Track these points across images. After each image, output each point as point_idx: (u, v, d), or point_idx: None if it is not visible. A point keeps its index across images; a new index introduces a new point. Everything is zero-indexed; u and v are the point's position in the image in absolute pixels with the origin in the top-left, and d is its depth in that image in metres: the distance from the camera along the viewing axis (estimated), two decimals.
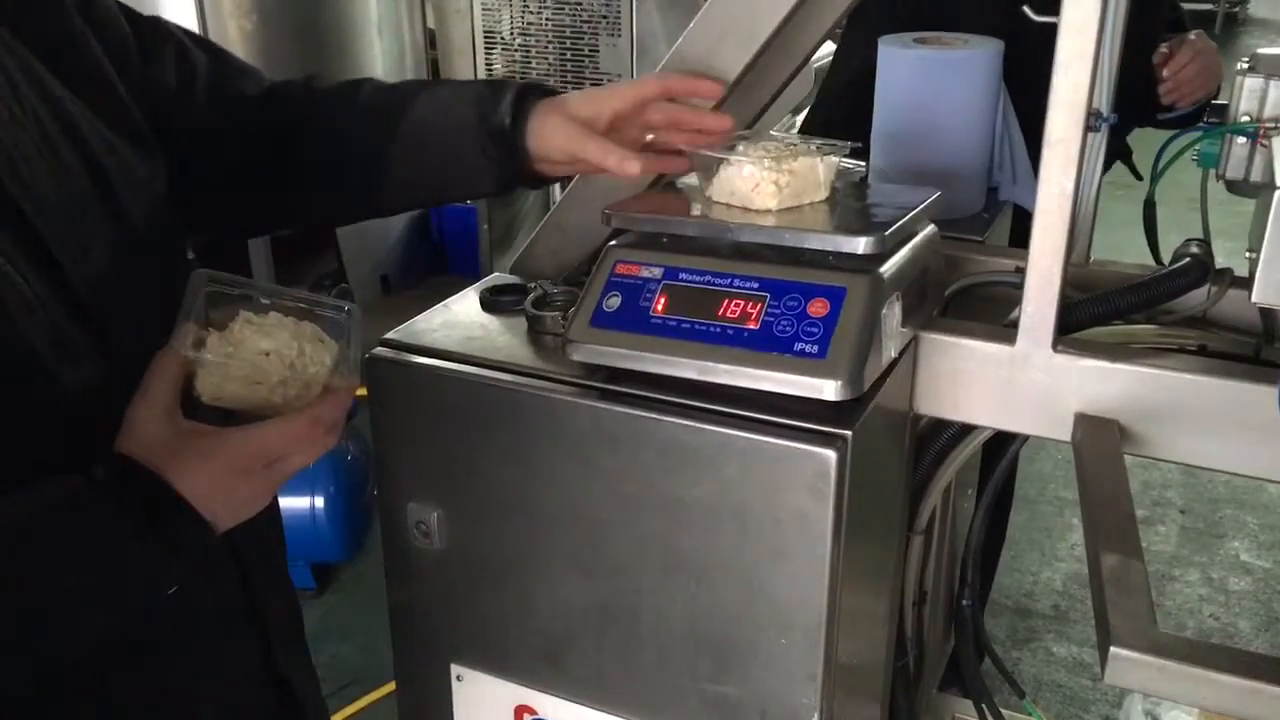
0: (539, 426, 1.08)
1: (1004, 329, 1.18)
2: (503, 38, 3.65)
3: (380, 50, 4.12)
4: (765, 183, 1.06)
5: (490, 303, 1.24)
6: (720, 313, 1.03)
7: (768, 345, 1.00)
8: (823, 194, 1.09)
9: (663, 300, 1.05)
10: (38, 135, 0.84)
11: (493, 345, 1.16)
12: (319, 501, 2.68)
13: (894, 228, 1.04)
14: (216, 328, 0.84)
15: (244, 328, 0.84)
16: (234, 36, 3.56)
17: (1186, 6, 2.15)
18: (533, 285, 1.25)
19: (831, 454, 0.97)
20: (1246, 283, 1.05)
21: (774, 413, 1.00)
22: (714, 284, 1.04)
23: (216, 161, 1.06)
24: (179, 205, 0.99)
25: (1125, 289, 1.21)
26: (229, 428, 0.83)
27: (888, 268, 1.03)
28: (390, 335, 1.17)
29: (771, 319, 1.01)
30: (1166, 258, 1.30)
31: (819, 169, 1.08)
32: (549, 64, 3.60)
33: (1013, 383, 1.16)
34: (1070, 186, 1.07)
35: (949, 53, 1.46)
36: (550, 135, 1.04)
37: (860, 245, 1.00)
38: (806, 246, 1.02)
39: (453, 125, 1.06)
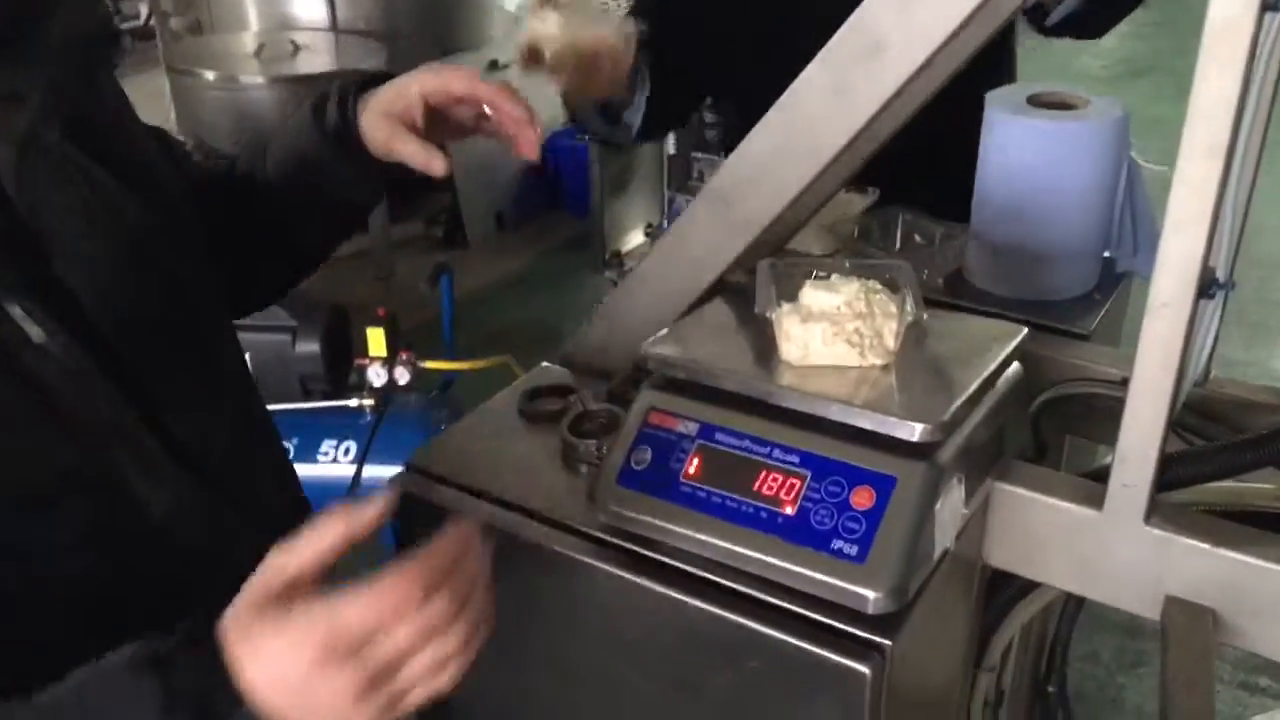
0: (559, 581, 1.01)
1: (1089, 485, 1.04)
2: None
3: None
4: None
5: (529, 412, 1.16)
6: (756, 486, 0.93)
7: (802, 537, 0.90)
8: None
9: (695, 463, 0.95)
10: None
11: (523, 471, 1.08)
12: None
13: (959, 403, 0.91)
14: (786, 299, 0.96)
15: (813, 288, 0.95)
16: None
17: None
18: (573, 395, 1.16)
19: (866, 671, 0.87)
20: None
21: (809, 605, 0.91)
22: (752, 452, 0.94)
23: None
24: None
25: (1239, 445, 1.05)
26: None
27: (947, 452, 0.91)
28: (419, 454, 1.11)
29: (809, 505, 0.90)
30: None
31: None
32: None
33: (1096, 551, 1.03)
34: (1174, 356, 0.92)
35: (1071, 124, 1.28)
36: (372, 133, 1.01)
37: (915, 433, 0.88)
38: (854, 424, 0.91)
39: (305, 144, 1.04)
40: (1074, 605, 1.37)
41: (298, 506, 1.07)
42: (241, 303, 1.12)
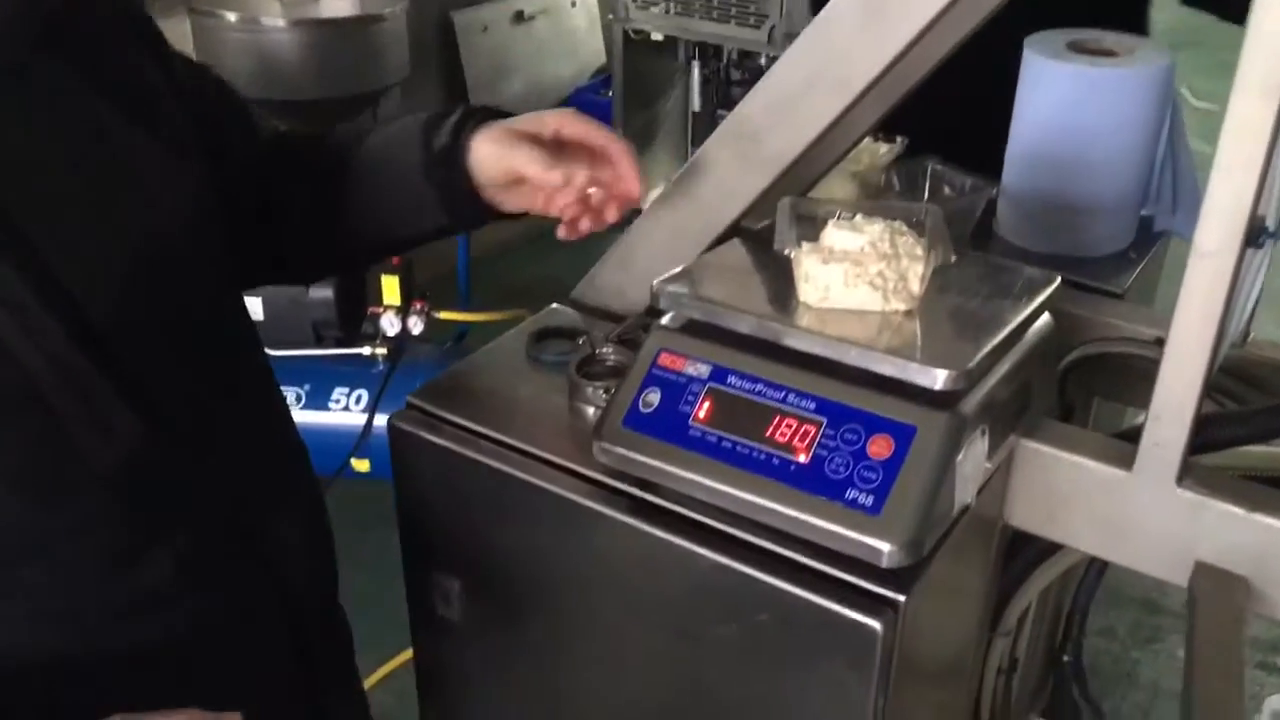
0: (561, 526, 0.97)
1: (1119, 445, 0.99)
2: None
3: None
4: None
5: (534, 356, 1.12)
6: (768, 432, 0.88)
7: (816, 486, 0.85)
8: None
9: (705, 406, 0.91)
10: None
11: (527, 415, 1.04)
12: None
13: (985, 352, 0.86)
14: (807, 240, 0.91)
15: (836, 228, 0.90)
16: None
17: None
18: (583, 336, 1.12)
19: (877, 627, 0.83)
20: None
21: (819, 557, 0.87)
22: (765, 397, 0.90)
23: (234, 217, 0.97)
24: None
25: (1274, 409, 1.00)
26: None
27: (972, 401, 0.86)
28: (419, 393, 1.07)
29: (825, 453, 0.86)
30: None
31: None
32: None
33: (1124, 513, 0.98)
34: (1217, 309, 0.87)
35: (1113, 70, 1.22)
36: (488, 150, 0.95)
37: (938, 380, 0.83)
38: (875, 370, 0.86)
39: (400, 153, 0.98)
40: (1093, 574, 1.32)
41: (282, 458, 0.98)
42: (253, 274, 1.05)
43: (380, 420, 2.52)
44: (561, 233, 1.01)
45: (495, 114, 0.98)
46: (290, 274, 1.09)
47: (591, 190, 0.97)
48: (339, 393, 2.60)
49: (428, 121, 0.98)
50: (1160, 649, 2.60)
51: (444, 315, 2.68)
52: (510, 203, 0.98)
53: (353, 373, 2.60)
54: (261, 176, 0.99)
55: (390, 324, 2.58)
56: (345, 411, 2.58)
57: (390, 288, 2.58)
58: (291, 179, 1.00)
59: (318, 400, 2.57)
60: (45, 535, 0.76)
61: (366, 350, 2.59)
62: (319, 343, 2.61)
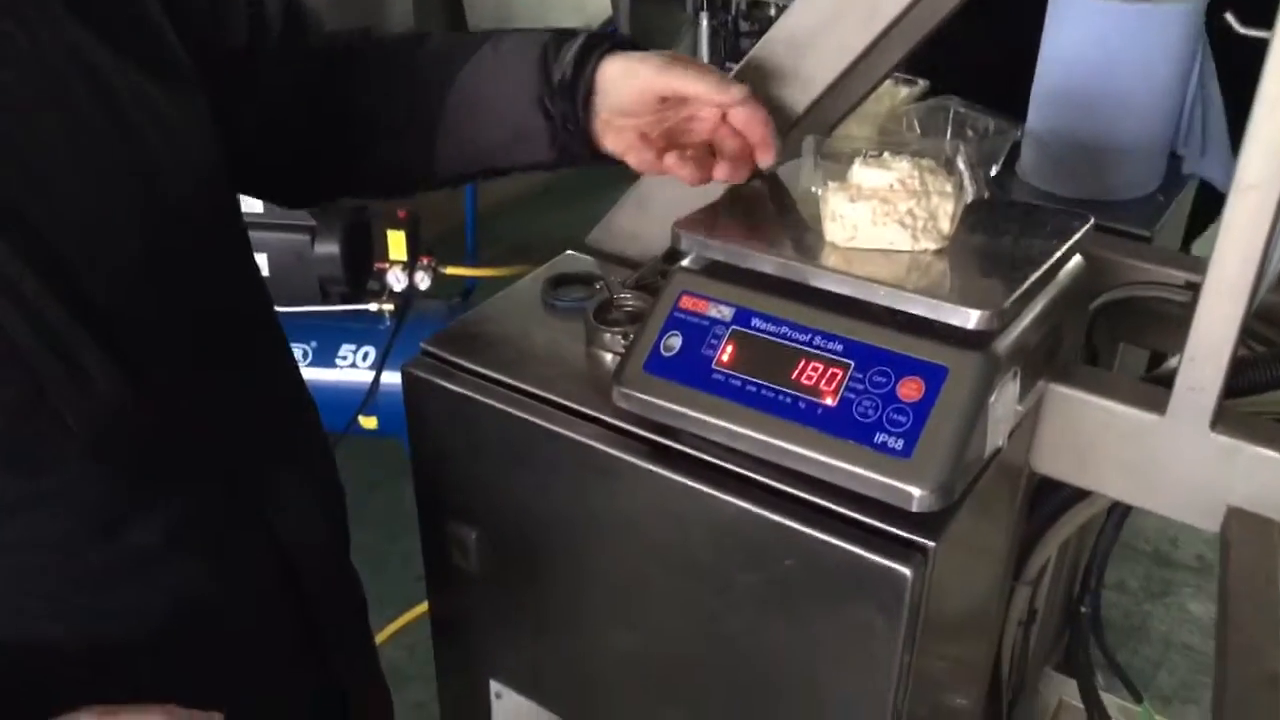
0: (580, 473, 0.95)
1: (1151, 389, 0.97)
2: None
3: None
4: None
5: (549, 302, 1.10)
6: (794, 376, 0.86)
7: (844, 429, 0.83)
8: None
9: (729, 349, 0.89)
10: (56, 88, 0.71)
11: (543, 361, 1.02)
12: None
13: (1019, 292, 0.83)
14: (833, 179, 0.88)
15: (863, 166, 0.87)
16: None
17: None
18: (599, 282, 1.09)
19: (907, 572, 0.81)
20: None
21: (847, 502, 0.84)
22: (791, 339, 0.87)
23: (278, 123, 0.93)
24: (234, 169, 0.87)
25: None
26: None
27: (1005, 342, 0.84)
28: (434, 340, 1.04)
29: (852, 395, 0.84)
30: None
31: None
32: None
33: (1155, 458, 0.96)
34: (1259, 245, 0.84)
35: (1144, 5, 1.18)
36: (626, 79, 0.89)
37: (971, 319, 0.81)
38: (904, 310, 0.83)
39: (511, 77, 0.93)
40: (1113, 525, 1.30)
41: (289, 417, 0.94)
42: (285, 190, 1.02)
43: (387, 377, 2.50)
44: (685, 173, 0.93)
45: (620, 42, 0.93)
46: (324, 189, 1.04)
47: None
48: (346, 349, 2.58)
49: (544, 47, 0.92)
50: (1171, 602, 2.60)
51: (451, 270, 2.65)
52: (612, 141, 0.93)
53: (359, 329, 2.58)
54: (307, 82, 0.93)
55: (397, 279, 2.55)
56: (352, 368, 2.56)
57: (397, 243, 2.55)
58: (360, 90, 0.94)
59: (324, 357, 2.55)
60: (24, 501, 0.71)
61: (373, 306, 2.57)
62: (325, 299, 2.58)
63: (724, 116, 0.92)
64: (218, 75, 0.85)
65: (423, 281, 2.56)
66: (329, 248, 2.49)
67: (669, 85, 0.89)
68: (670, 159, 0.91)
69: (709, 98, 0.89)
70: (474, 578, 1.08)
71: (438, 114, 0.95)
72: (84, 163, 0.72)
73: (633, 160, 0.93)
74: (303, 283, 2.52)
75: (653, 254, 1.13)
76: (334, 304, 2.58)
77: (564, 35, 0.93)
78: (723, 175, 0.93)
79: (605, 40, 0.92)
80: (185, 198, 0.79)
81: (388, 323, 2.56)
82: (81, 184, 0.72)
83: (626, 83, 0.90)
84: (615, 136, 0.93)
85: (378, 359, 2.52)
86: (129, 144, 0.75)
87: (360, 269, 2.55)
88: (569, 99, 0.91)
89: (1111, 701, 1.58)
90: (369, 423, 2.53)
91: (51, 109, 0.70)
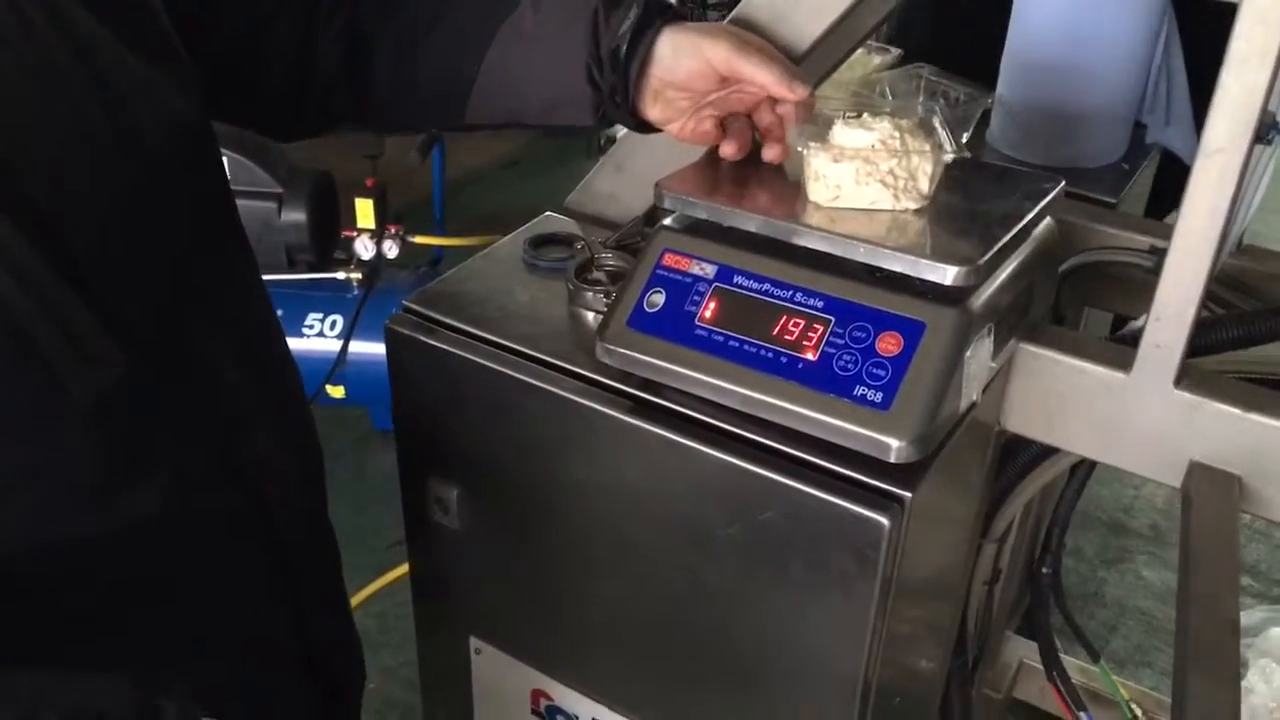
0: (562, 429, 0.97)
1: (1117, 348, 1.00)
2: None
3: None
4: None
5: (531, 262, 1.11)
6: (775, 331, 0.88)
7: (824, 383, 0.85)
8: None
9: (712, 306, 0.90)
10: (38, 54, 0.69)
11: (525, 319, 1.03)
12: None
13: (994, 250, 0.86)
14: (814, 139, 0.89)
15: (845, 127, 0.89)
16: None
17: None
18: (580, 242, 1.10)
19: (884, 521, 0.83)
20: None
21: (825, 455, 0.87)
22: (772, 295, 0.89)
23: (303, 59, 0.92)
24: (263, 105, 0.88)
25: (1272, 311, 1.01)
26: None
27: (980, 298, 0.86)
28: (416, 298, 1.05)
29: (833, 350, 0.86)
30: None
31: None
32: None
33: (1121, 415, 0.99)
34: (1223, 207, 0.87)
35: None
36: (689, 55, 0.88)
37: (948, 275, 0.83)
38: (884, 267, 0.86)
39: (556, 43, 0.91)
40: (1073, 490, 1.34)
41: (272, 377, 0.93)
42: (286, 117, 0.99)
43: (355, 346, 2.49)
44: (728, 150, 0.95)
45: (672, 13, 0.92)
46: (328, 118, 1.00)
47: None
48: (313, 318, 2.56)
49: (594, 12, 0.90)
50: (1126, 569, 2.66)
51: (419, 239, 2.65)
52: (659, 111, 0.92)
53: (327, 298, 2.57)
54: (322, 20, 0.92)
55: (365, 248, 2.55)
56: (320, 337, 2.54)
57: (364, 211, 2.55)
58: (382, 34, 0.93)
59: (291, 326, 2.53)
60: (18, 472, 0.70)
61: (341, 275, 2.56)
62: (292, 267, 2.56)
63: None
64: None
65: (391, 250, 2.55)
66: (295, 215, 2.46)
67: (737, 70, 0.89)
68: (723, 138, 0.93)
69: (776, 91, 0.90)
70: (455, 535, 1.09)
71: (474, 71, 0.93)
72: (63, 124, 0.71)
73: (675, 130, 0.94)
74: (270, 250, 2.50)
75: (632, 215, 1.14)
76: (301, 272, 2.57)
77: (612, 1, 0.91)
78: (771, 157, 0.94)
79: (663, 10, 0.91)
80: (167, 155, 0.78)
81: (355, 292, 2.55)
82: (61, 145, 0.71)
83: (688, 58, 0.89)
84: (664, 107, 0.92)
85: (345, 328, 2.51)
86: (107, 106, 0.74)
87: (327, 237, 2.54)
88: (620, 70, 0.90)
89: (1071, 663, 1.63)
90: (336, 392, 2.53)
91: (29, 67, 0.69)
